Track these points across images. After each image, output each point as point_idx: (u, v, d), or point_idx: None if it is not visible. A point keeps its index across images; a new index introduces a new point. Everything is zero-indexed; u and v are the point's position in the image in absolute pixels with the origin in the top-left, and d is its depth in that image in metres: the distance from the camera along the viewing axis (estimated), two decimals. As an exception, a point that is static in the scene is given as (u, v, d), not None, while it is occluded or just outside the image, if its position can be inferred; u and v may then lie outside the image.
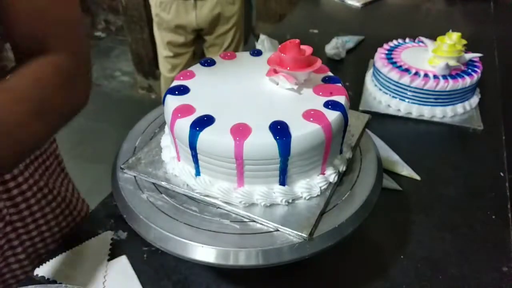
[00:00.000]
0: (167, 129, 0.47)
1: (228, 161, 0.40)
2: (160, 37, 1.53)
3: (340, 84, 0.47)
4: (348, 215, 0.42)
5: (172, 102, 0.44)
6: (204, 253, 0.39)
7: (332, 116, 0.41)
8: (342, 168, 0.46)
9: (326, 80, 0.48)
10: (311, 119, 0.41)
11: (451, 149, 0.73)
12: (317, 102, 0.43)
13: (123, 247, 0.53)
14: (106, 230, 0.55)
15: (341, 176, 0.46)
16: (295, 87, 0.45)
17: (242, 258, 0.39)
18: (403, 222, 0.58)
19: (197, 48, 1.63)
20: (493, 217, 0.59)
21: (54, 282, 0.49)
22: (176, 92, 0.45)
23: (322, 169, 0.44)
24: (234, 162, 0.40)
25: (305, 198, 0.43)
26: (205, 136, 0.40)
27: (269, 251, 0.39)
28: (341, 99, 0.44)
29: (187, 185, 0.44)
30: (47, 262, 0.51)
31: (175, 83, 0.47)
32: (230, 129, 0.40)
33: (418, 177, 0.65)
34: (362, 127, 0.53)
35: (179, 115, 0.42)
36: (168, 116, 0.43)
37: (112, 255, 0.52)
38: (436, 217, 0.59)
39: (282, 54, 0.44)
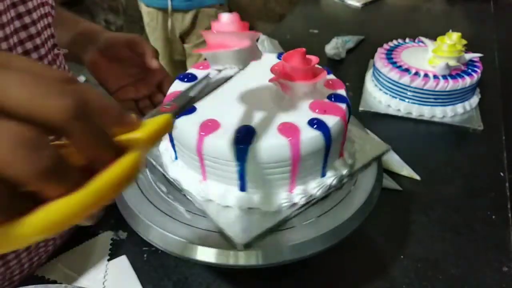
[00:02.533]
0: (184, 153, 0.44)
1: (231, 165, 0.40)
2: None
3: (342, 105, 0.44)
4: (348, 215, 0.42)
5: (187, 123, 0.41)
6: (204, 253, 0.39)
7: (311, 133, 0.40)
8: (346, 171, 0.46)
9: (330, 97, 0.45)
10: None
11: (451, 149, 0.73)
12: (305, 117, 0.42)
13: (123, 247, 0.53)
14: (106, 230, 0.55)
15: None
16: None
17: (242, 258, 0.39)
18: (403, 222, 0.58)
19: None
20: (493, 217, 0.59)
21: (54, 282, 0.49)
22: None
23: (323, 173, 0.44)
24: (290, 165, 0.40)
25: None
26: (211, 140, 0.39)
27: (269, 251, 0.39)
28: (331, 119, 0.41)
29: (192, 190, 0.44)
30: (47, 262, 0.51)
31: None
32: (235, 132, 0.40)
33: (418, 177, 0.65)
34: (372, 157, 0.49)
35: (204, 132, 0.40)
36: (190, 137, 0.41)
37: (112, 255, 0.52)
38: (436, 217, 0.59)
39: (286, 63, 0.43)
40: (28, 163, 0.15)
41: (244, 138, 0.39)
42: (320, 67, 0.47)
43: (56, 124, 0.15)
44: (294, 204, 0.42)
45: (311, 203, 0.43)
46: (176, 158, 0.45)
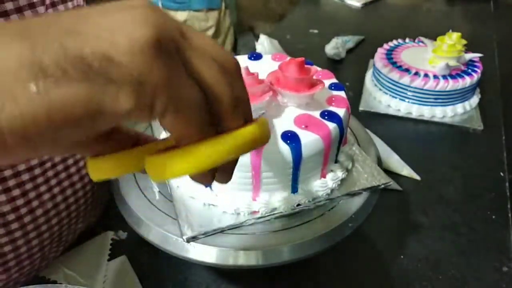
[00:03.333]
0: None
1: (245, 171, 0.40)
2: None
3: (330, 124, 0.42)
4: (348, 216, 0.42)
5: None
6: (204, 253, 0.39)
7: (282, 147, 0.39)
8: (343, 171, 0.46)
9: (323, 114, 0.43)
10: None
11: (451, 149, 0.73)
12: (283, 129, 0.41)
13: (123, 247, 0.53)
14: (106, 230, 0.55)
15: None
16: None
17: (242, 258, 0.39)
18: (403, 222, 0.58)
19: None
20: (493, 217, 0.59)
21: (55, 282, 0.49)
22: None
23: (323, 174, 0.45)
24: (251, 171, 0.40)
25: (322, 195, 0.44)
26: None
27: (269, 251, 0.39)
28: (309, 137, 0.40)
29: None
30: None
31: None
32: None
33: (418, 177, 0.65)
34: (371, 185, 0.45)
35: None
36: None
37: (112, 255, 0.52)
38: (436, 217, 0.59)
39: (282, 73, 0.42)
40: (230, 87, 0.21)
41: (293, 139, 0.39)
42: (320, 79, 0.46)
43: (223, 105, 0.21)
44: (255, 212, 0.42)
45: (275, 215, 0.42)
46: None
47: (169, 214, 0.42)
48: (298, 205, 0.43)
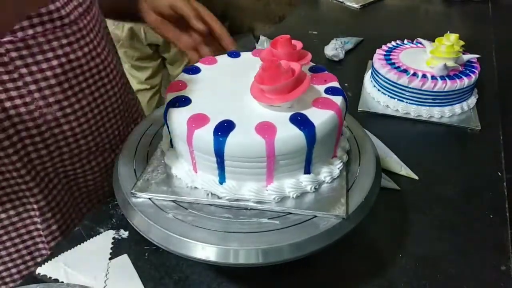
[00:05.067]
0: (178, 143, 0.46)
1: (259, 161, 0.41)
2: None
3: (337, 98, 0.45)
4: (347, 215, 0.43)
5: (180, 115, 0.43)
6: (205, 251, 0.40)
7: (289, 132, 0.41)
8: (348, 147, 0.50)
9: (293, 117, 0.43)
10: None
11: (449, 149, 0.74)
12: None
13: (125, 246, 0.53)
14: (108, 229, 0.55)
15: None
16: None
17: (243, 256, 0.40)
18: (401, 221, 0.59)
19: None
20: (491, 216, 0.59)
21: (56, 280, 0.49)
22: (178, 104, 0.45)
23: (334, 152, 0.47)
24: (265, 160, 0.41)
25: (327, 182, 0.45)
26: (233, 140, 0.40)
27: (269, 250, 0.40)
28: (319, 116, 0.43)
29: (211, 194, 0.44)
30: (49, 261, 0.51)
31: (172, 95, 0.47)
32: (255, 129, 0.40)
33: (416, 177, 0.66)
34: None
35: (194, 125, 0.41)
36: (181, 130, 0.42)
37: (114, 254, 0.52)
38: (434, 217, 0.59)
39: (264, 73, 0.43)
40: None
41: (223, 131, 0.40)
42: (307, 57, 0.50)
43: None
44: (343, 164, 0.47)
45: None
46: (223, 180, 0.44)
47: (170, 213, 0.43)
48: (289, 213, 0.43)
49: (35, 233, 0.59)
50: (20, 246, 0.59)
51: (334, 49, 1.00)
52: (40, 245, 0.61)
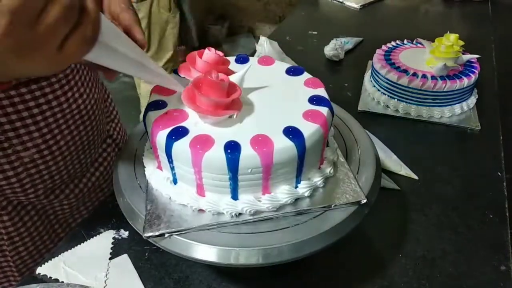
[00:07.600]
0: (181, 167, 0.42)
1: (256, 172, 0.40)
2: None
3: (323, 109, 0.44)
4: (347, 215, 0.43)
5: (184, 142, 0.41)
6: (205, 251, 0.40)
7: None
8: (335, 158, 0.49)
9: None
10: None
11: (448, 149, 0.74)
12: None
13: (125, 246, 0.53)
14: (108, 229, 0.55)
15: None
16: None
17: (243, 257, 0.40)
18: (401, 221, 0.59)
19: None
20: (491, 216, 0.59)
21: (56, 280, 0.49)
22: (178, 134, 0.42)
23: (321, 161, 0.47)
24: (261, 171, 0.40)
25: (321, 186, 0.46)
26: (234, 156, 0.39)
27: (270, 250, 0.40)
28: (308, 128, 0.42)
29: (218, 213, 0.43)
30: (49, 261, 0.51)
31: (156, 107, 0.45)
32: (250, 142, 0.40)
33: (416, 177, 0.66)
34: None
35: (198, 146, 0.39)
36: (186, 154, 0.40)
37: (114, 254, 0.52)
38: (434, 217, 0.59)
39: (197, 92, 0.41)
40: None
41: (297, 135, 0.41)
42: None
43: None
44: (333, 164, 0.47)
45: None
46: (236, 198, 0.43)
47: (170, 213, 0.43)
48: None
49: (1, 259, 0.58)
50: None
51: (334, 49, 1.00)
52: (9, 273, 0.60)
